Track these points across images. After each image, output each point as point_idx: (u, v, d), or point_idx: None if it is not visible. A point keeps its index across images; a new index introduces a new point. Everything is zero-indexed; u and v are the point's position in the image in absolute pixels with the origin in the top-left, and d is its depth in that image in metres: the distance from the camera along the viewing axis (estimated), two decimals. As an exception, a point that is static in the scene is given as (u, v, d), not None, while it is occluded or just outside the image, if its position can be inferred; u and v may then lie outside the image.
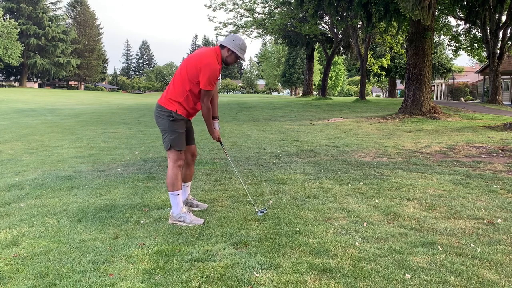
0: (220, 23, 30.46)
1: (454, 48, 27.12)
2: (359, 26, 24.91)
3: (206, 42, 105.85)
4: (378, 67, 32.40)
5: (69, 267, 2.73)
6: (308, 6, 19.55)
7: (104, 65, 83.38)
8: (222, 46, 3.65)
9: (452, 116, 14.50)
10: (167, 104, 3.64)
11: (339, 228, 3.44)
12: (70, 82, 75.55)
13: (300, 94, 44.78)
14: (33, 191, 4.74)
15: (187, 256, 2.91)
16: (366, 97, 27.20)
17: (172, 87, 3.68)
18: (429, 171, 5.65)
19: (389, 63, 34.13)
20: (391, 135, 10.13)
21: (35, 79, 71.28)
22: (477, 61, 31.95)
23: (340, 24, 24.01)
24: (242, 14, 29.90)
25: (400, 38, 26.43)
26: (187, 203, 3.95)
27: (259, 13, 29.78)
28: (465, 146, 7.90)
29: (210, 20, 30.15)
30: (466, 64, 68.29)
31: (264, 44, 72.20)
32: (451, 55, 35.39)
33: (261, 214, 3.74)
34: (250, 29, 30.06)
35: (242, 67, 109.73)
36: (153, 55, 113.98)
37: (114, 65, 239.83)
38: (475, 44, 25.45)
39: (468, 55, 27.15)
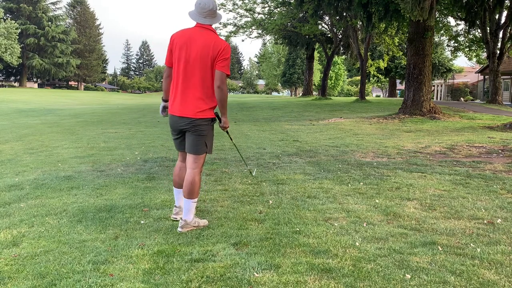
0: (220, 23, 30.46)
1: (453, 49, 27.14)
2: (359, 26, 24.92)
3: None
4: (375, 68, 32.44)
5: (69, 267, 2.73)
6: (308, 6, 19.55)
7: (104, 65, 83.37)
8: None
9: (452, 116, 14.50)
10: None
11: (339, 228, 3.44)
12: (70, 82, 75.54)
13: (300, 94, 44.81)
14: (33, 191, 4.74)
15: (187, 256, 2.91)
16: (366, 97, 27.21)
17: None
18: (429, 171, 5.66)
19: (386, 65, 34.16)
20: (391, 135, 10.13)
21: (35, 79, 71.28)
22: (476, 62, 31.98)
23: (340, 24, 24.01)
24: (242, 14, 29.92)
25: (397, 39, 26.47)
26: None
27: (259, 13, 29.80)
28: (465, 146, 7.90)
29: (209, 20, 30.05)
30: (466, 64, 68.30)
31: (264, 44, 72.33)
32: (451, 56, 35.45)
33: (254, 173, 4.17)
34: (250, 30, 30.06)
35: (242, 67, 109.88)
36: (153, 55, 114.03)
37: (114, 65, 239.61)
38: (473, 45, 25.46)
39: (466, 56, 27.16)
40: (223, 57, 3.32)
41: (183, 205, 3.45)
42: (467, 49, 26.06)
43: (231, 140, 4.19)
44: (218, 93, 3.34)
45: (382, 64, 32.09)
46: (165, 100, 3.69)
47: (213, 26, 3.48)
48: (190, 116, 3.35)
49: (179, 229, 3.36)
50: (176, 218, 3.61)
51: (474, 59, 28.07)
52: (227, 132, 3.81)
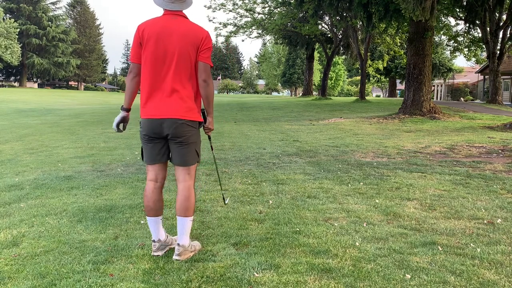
0: (220, 23, 30.48)
1: (452, 49, 27.16)
2: (359, 26, 24.93)
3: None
4: (374, 69, 32.45)
5: (69, 267, 2.73)
6: (308, 6, 19.54)
7: (104, 65, 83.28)
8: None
9: (452, 116, 14.50)
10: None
11: (339, 228, 3.44)
12: (70, 82, 75.50)
13: (300, 94, 44.82)
14: (33, 191, 4.74)
15: (187, 256, 2.90)
16: (366, 97, 27.22)
17: None
18: (429, 171, 5.65)
19: (385, 65, 34.17)
20: (391, 135, 10.13)
21: (35, 79, 71.23)
22: (475, 63, 32.01)
23: (340, 24, 24.02)
24: (242, 14, 29.93)
25: (398, 40, 26.50)
26: (168, 245, 3.05)
27: (259, 13, 29.82)
28: (465, 146, 7.90)
29: (210, 20, 30.14)
30: (466, 64, 68.34)
31: (264, 44, 72.36)
32: (450, 56, 35.49)
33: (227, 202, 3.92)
34: (250, 30, 30.07)
35: (242, 67, 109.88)
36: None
37: (114, 65, 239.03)
38: (473, 45, 25.48)
39: (464, 56, 27.17)
40: (206, 47, 2.86)
41: (178, 226, 2.92)
42: (466, 49, 26.07)
43: (212, 149, 3.50)
44: (204, 88, 2.88)
45: (381, 65, 32.13)
46: (127, 109, 3.08)
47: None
48: (178, 117, 2.82)
49: (175, 257, 2.83)
50: (158, 254, 2.92)
51: (473, 59, 28.10)
52: (209, 137, 3.21)
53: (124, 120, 3.13)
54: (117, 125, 3.12)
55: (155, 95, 2.87)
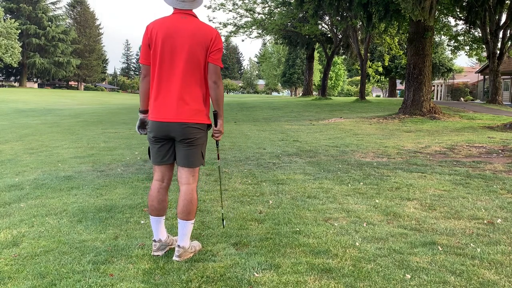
0: (220, 23, 30.50)
1: (453, 48, 27.21)
2: (359, 26, 24.95)
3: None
4: (374, 70, 32.47)
5: (69, 267, 2.73)
6: (308, 6, 19.55)
7: (104, 65, 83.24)
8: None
9: (452, 116, 14.50)
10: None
11: (339, 228, 3.44)
12: (70, 82, 75.47)
13: (300, 94, 44.85)
14: (33, 191, 4.74)
15: (187, 256, 2.90)
16: (366, 97, 27.23)
17: None
18: (429, 171, 5.66)
19: (387, 64, 34.17)
20: (391, 135, 10.13)
21: (35, 79, 71.22)
22: (477, 61, 32.07)
23: (341, 24, 24.05)
24: (242, 14, 29.94)
25: (396, 39, 26.52)
26: (168, 245, 3.05)
27: (259, 13, 29.83)
28: (465, 146, 7.90)
29: (210, 20, 30.17)
30: (466, 64, 68.37)
31: (264, 44, 72.39)
32: (451, 55, 35.53)
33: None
34: (250, 29, 30.09)
35: (242, 67, 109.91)
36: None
37: (114, 65, 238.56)
38: (474, 45, 25.52)
39: (466, 54, 27.21)
40: (216, 48, 2.79)
41: (179, 229, 2.90)
42: (468, 47, 26.11)
43: (218, 158, 3.25)
44: (214, 89, 2.81)
45: (380, 68, 32.17)
46: (144, 112, 2.97)
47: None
48: (184, 120, 2.77)
49: (175, 258, 2.84)
50: (158, 254, 2.92)
51: (475, 58, 28.15)
52: (216, 144, 3.10)
53: (144, 122, 3.03)
54: (139, 129, 3.05)
55: (162, 97, 2.81)
